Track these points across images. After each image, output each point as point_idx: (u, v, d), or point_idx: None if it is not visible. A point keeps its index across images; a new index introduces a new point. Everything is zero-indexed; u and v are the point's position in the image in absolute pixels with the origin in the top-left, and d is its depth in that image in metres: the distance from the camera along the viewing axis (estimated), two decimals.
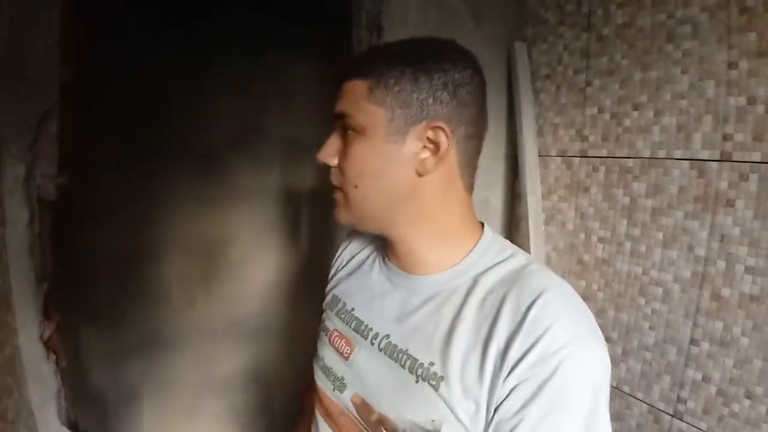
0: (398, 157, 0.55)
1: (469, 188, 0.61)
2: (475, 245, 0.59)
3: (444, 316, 0.56)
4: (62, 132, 1.00)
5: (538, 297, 0.50)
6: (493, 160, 1.41)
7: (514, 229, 1.42)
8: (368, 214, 0.59)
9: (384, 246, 0.67)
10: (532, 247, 1.29)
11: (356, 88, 0.56)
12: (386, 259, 0.66)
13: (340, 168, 0.59)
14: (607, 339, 1.19)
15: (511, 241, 0.63)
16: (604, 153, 1.19)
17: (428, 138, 0.55)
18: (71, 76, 1.03)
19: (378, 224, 0.61)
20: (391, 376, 0.57)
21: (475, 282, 0.56)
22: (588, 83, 1.23)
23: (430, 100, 0.54)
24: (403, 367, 0.56)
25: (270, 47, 1.88)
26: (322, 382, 0.67)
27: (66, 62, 0.99)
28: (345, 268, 0.75)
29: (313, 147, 0.62)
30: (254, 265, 2.05)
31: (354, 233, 0.78)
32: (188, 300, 1.93)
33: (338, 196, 0.60)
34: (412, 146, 0.55)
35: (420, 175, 0.56)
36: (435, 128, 0.55)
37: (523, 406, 0.47)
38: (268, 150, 2.00)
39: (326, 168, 0.61)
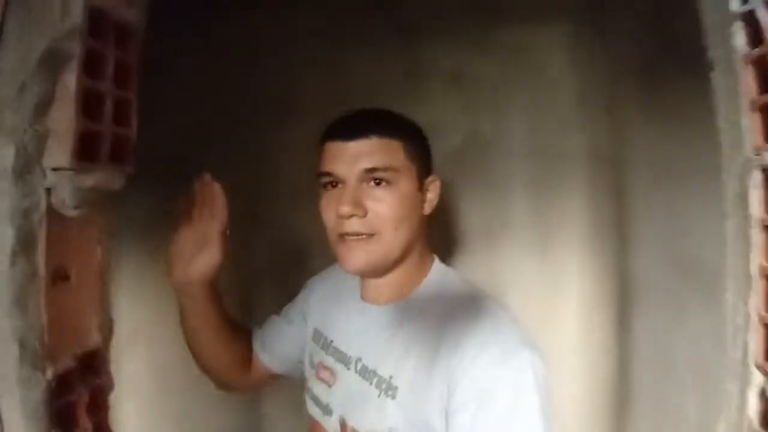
0: (419, 202, 0.71)
1: None
2: (427, 275, 0.73)
3: (402, 340, 0.68)
4: (87, 90, 0.57)
5: (478, 345, 0.62)
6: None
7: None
8: (396, 253, 0.69)
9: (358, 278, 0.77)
10: None
11: (389, 146, 0.67)
12: (361, 289, 0.76)
13: (374, 214, 0.66)
14: None
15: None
16: None
17: (431, 184, 0.73)
18: None
19: (393, 264, 0.70)
20: (361, 393, 0.69)
21: (422, 311, 0.69)
22: None
23: (430, 156, 0.74)
24: (371, 384, 0.67)
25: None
26: (312, 410, 0.78)
27: None
28: (326, 296, 0.83)
29: None
30: None
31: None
32: None
33: (359, 241, 0.67)
34: (426, 193, 0.72)
35: (426, 214, 0.73)
36: (434, 181, 0.73)
37: (460, 407, 0.59)
38: None
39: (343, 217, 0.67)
